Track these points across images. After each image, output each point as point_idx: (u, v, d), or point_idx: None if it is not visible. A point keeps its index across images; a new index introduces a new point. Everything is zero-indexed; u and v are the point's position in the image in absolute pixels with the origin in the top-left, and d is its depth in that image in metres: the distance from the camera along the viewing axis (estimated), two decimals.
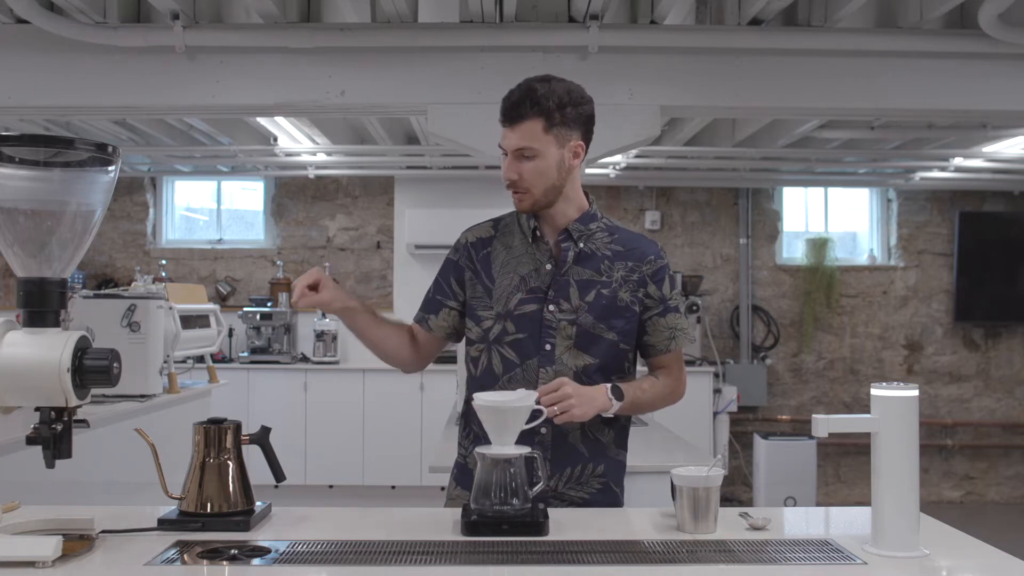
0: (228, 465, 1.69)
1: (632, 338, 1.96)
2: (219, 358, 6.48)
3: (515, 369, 1.92)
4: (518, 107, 1.86)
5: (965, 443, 7.33)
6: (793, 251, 7.55)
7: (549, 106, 1.86)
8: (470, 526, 1.62)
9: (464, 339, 2.03)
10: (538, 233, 1.96)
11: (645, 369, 2.08)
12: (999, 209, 7.40)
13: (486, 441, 1.91)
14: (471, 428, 1.99)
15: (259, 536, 1.62)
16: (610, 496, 1.97)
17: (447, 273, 2.02)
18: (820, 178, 7.29)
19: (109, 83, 3.96)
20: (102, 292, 4.07)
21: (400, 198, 7.27)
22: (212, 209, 7.75)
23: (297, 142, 6.33)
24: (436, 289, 2.03)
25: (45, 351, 1.46)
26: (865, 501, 1.63)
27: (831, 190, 7.62)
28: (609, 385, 1.87)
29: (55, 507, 1.69)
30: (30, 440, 1.48)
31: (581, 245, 1.95)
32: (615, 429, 1.98)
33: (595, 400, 1.83)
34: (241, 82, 4.03)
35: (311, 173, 7.05)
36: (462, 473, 2.01)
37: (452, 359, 5.04)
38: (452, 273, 2.01)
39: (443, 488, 2.12)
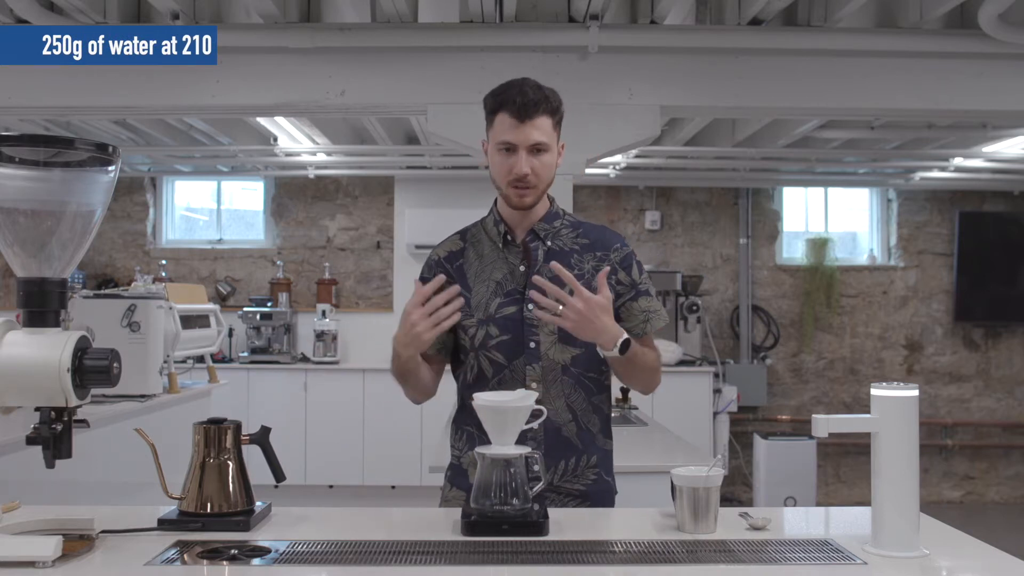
0: (228, 465, 1.69)
1: None
2: (219, 358, 6.48)
3: (504, 371, 1.94)
4: (536, 104, 1.88)
5: (965, 443, 7.33)
6: (793, 251, 7.55)
7: (556, 105, 1.92)
8: (470, 526, 1.62)
9: (460, 349, 2.02)
10: (509, 237, 1.98)
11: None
12: (999, 209, 7.40)
13: (480, 442, 1.91)
14: (464, 430, 2.01)
15: (259, 536, 1.62)
16: (604, 486, 1.99)
17: None
18: (820, 178, 7.29)
19: (109, 83, 3.97)
20: (102, 292, 4.07)
21: (400, 198, 7.27)
22: (212, 209, 7.75)
23: (297, 142, 6.33)
24: None
25: (45, 351, 1.45)
26: (865, 501, 1.63)
27: (831, 190, 7.62)
28: (626, 337, 1.83)
29: (55, 507, 1.69)
30: (30, 440, 1.48)
31: (549, 243, 1.98)
32: (600, 418, 2.00)
33: (601, 333, 1.80)
34: (241, 82, 4.03)
35: (311, 173, 7.05)
36: (456, 474, 2.02)
37: None
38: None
39: (442, 488, 2.12)
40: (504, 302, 1.94)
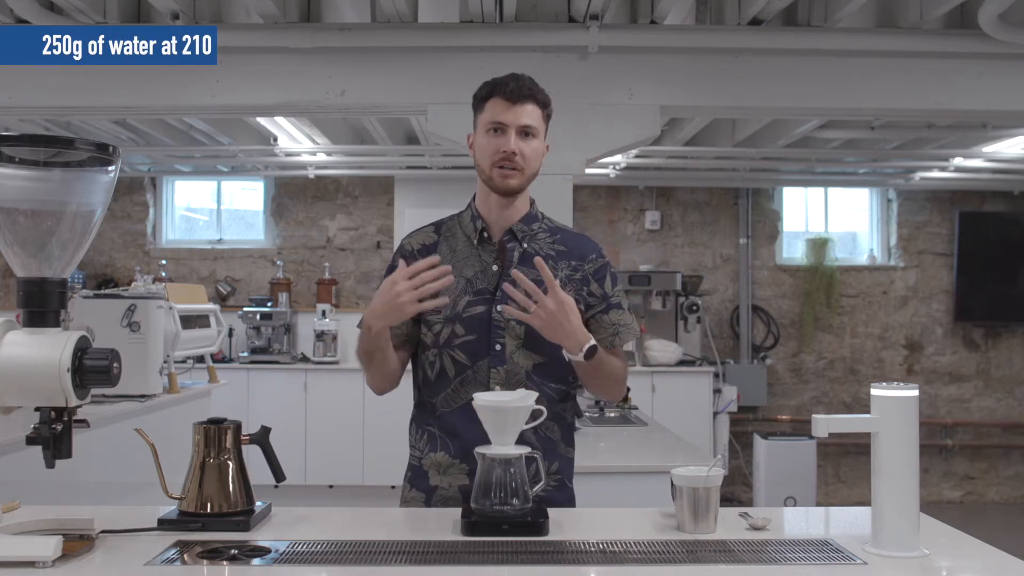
0: (228, 465, 1.69)
1: None
2: (219, 358, 6.48)
3: (467, 371, 1.91)
4: (529, 89, 1.92)
5: (965, 443, 7.33)
6: (793, 251, 7.55)
7: (546, 100, 1.96)
8: (470, 526, 1.62)
9: (419, 345, 1.99)
10: (485, 235, 1.97)
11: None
12: (999, 209, 7.40)
13: (443, 443, 1.92)
14: (425, 429, 1.97)
15: (259, 536, 1.62)
16: (565, 493, 1.98)
17: None
18: (820, 178, 7.29)
19: (109, 83, 3.97)
20: (102, 292, 4.07)
21: (400, 198, 7.27)
22: (212, 209, 7.75)
23: (297, 142, 6.33)
24: None
25: (45, 351, 1.45)
26: (865, 501, 1.63)
27: (831, 190, 7.62)
28: (592, 344, 1.83)
29: (55, 507, 1.69)
30: (30, 440, 1.48)
31: (525, 245, 1.96)
32: (562, 426, 1.98)
33: (569, 336, 1.81)
34: (241, 82, 4.03)
35: (311, 173, 7.05)
36: (416, 476, 1.98)
37: None
38: None
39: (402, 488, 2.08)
40: (473, 301, 1.92)
